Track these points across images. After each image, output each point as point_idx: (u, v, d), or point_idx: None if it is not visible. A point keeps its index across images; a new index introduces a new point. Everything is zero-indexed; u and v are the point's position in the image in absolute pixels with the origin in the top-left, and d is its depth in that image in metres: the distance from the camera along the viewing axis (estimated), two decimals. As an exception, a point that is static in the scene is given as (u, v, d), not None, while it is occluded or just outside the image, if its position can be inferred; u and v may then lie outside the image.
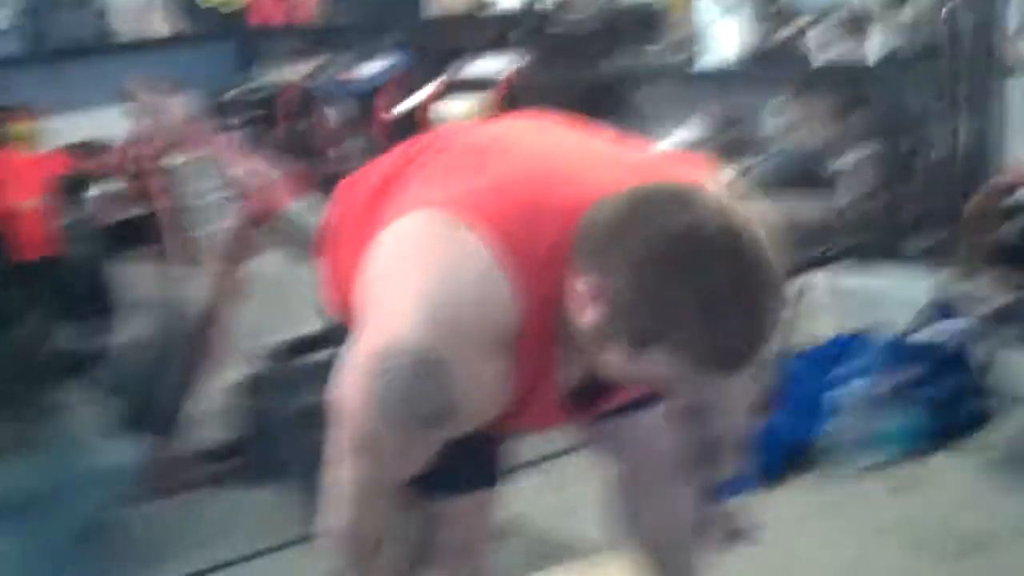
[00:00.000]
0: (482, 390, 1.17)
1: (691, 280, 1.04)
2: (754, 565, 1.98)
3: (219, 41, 5.99)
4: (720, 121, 4.60)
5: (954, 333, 2.90)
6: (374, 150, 5.29)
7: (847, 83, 4.10)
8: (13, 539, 2.54)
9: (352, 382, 1.17)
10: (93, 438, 2.73)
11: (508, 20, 4.97)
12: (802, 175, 3.37)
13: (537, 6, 4.86)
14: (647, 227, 1.06)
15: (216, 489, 2.89)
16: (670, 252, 1.04)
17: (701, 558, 1.84)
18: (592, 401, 1.35)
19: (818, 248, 3.24)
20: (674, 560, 1.82)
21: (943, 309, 3.08)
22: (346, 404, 1.19)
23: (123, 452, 2.75)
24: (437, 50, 5.35)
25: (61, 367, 3.33)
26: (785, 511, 2.49)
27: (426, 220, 1.17)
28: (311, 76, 5.69)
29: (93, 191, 4.86)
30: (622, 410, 1.58)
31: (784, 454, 2.63)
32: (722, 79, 4.41)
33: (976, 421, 2.78)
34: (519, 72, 4.95)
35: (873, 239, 3.43)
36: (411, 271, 1.14)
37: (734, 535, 1.79)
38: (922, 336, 2.96)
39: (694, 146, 4.61)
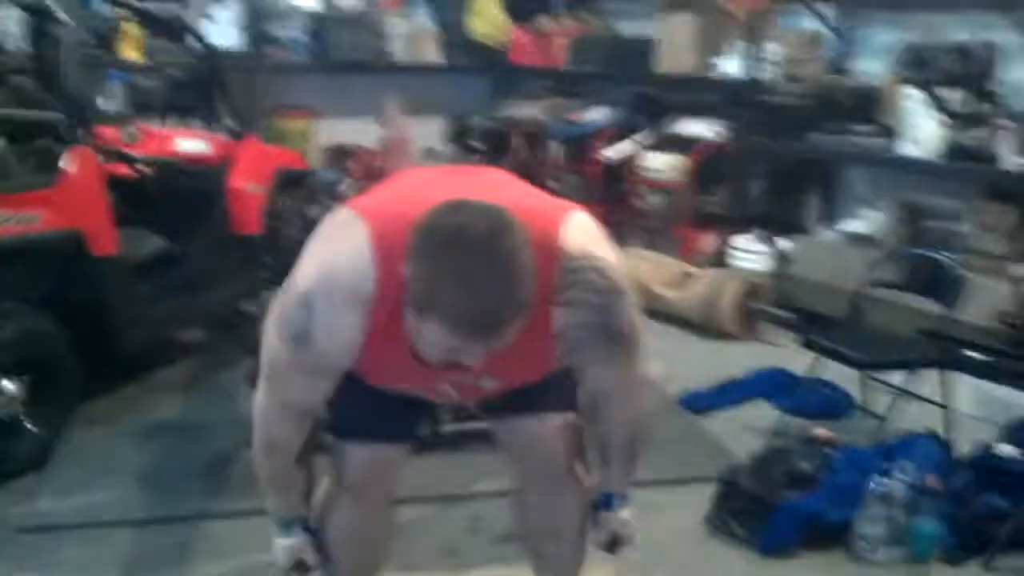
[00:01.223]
0: (338, 332, 1.58)
1: (448, 264, 1.39)
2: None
3: (479, 73, 6.69)
4: (906, 212, 4.62)
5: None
6: (587, 187, 5.75)
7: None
8: (167, 456, 3.19)
9: (270, 318, 1.69)
10: (237, 387, 3.28)
11: (727, 85, 5.19)
12: (931, 280, 3.39)
13: (756, 75, 5.04)
14: (428, 224, 1.43)
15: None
16: (436, 243, 1.41)
17: (584, 561, 2.04)
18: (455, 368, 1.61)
19: (933, 352, 3.27)
20: (557, 562, 2.05)
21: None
22: (264, 337, 1.69)
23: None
24: (657, 105, 5.69)
25: (237, 323, 4.01)
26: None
27: (346, 213, 1.65)
28: (545, 114, 6.21)
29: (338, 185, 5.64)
30: (516, 411, 1.89)
31: (814, 530, 2.73)
32: (918, 169, 4.43)
33: (1018, 543, 2.72)
34: (725, 135, 5.19)
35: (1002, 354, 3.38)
36: (320, 244, 1.65)
37: (616, 542, 1.97)
38: (1003, 450, 2.94)
39: (877, 233, 4.65)
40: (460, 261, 1.41)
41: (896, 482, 2.77)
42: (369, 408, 1.85)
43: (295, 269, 1.65)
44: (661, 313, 4.68)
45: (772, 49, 5.07)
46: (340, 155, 6.01)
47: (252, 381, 1.83)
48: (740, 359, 4.18)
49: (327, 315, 1.58)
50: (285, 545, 1.90)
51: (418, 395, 1.83)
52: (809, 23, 5.17)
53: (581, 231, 1.65)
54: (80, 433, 3.23)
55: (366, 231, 1.58)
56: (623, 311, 1.67)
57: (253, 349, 1.84)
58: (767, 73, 5.06)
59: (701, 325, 4.64)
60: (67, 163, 3.12)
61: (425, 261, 1.43)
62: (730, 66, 5.20)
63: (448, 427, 3.02)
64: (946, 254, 3.50)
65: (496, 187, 1.70)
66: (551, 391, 1.87)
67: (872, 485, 2.76)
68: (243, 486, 2.73)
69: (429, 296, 1.42)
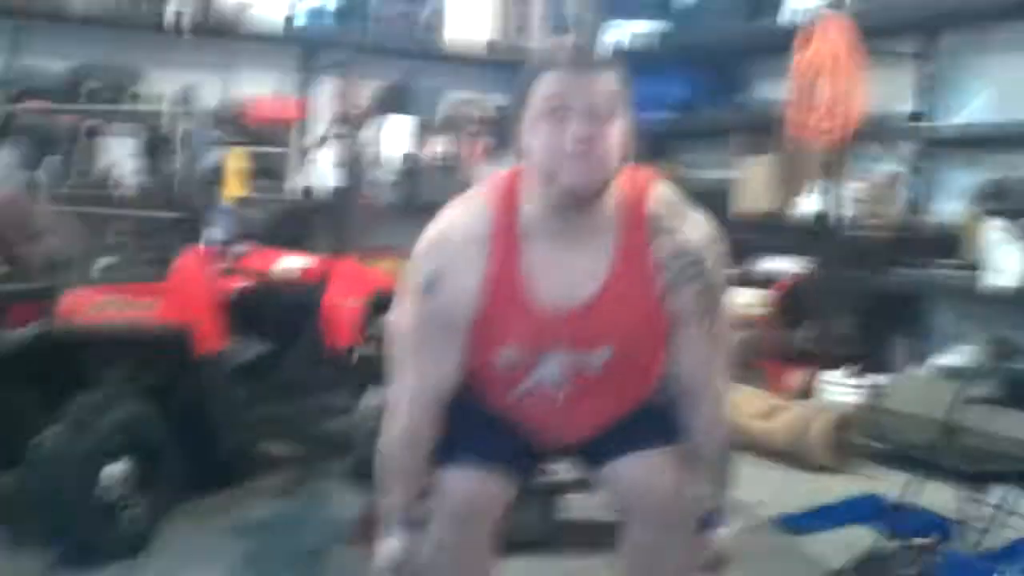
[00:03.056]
0: (461, 272, 1.76)
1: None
2: None
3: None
4: (997, 346, 4.58)
5: None
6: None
7: None
8: (260, 550, 3.23)
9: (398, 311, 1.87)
10: (330, 486, 3.34)
11: (805, 224, 5.29)
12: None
13: (833, 213, 5.14)
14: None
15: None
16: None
17: None
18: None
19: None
20: None
21: None
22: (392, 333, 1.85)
23: (346, 505, 3.38)
24: (739, 244, 5.78)
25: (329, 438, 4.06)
26: None
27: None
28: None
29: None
30: (620, 452, 1.90)
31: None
32: (1004, 300, 4.43)
33: None
34: (805, 273, 5.25)
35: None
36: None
37: (717, 563, 1.96)
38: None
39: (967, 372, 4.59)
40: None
41: (1010, 583, 2.67)
42: (477, 436, 1.89)
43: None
44: (750, 446, 4.63)
45: (851, 188, 5.19)
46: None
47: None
48: (832, 489, 4.10)
49: (449, 254, 1.78)
50: (396, 544, 1.91)
51: (527, 390, 1.85)
52: (887, 164, 5.31)
53: (670, 189, 1.76)
54: (177, 527, 3.27)
55: (482, 193, 1.83)
56: (716, 263, 1.81)
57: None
58: (846, 213, 5.16)
59: (791, 457, 4.58)
60: (181, 261, 3.31)
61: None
62: (810, 205, 5.31)
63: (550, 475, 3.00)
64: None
65: None
66: (652, 427, 1.91)
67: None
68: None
69: (532, 72, 1.71)
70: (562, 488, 2.81)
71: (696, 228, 1.82)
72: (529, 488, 2.97)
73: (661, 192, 1.83)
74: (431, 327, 1.80)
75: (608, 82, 1.74)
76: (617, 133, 1.74)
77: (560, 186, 1.70)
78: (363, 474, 3.11)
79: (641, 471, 1.91)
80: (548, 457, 2.12)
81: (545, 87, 1.73)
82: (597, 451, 1.96)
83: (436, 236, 1.82)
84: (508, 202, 1.76)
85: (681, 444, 1.95)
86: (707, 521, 1.96)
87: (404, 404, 1.88)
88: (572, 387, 1.87)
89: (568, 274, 1.77)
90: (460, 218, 1.81)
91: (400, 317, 1.85)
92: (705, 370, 1.88)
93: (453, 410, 1.90)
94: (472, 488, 1.89)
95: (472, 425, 1.89)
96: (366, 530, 3.26)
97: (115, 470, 3.03)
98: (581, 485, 2.17)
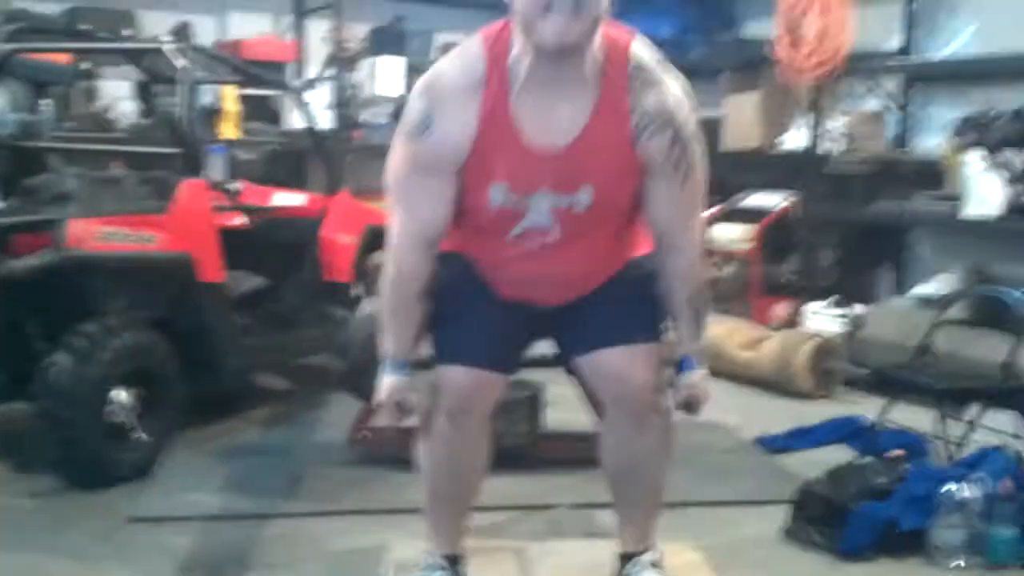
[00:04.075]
0: (453, 112, 1.85)
1: None
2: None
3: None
4: (975, 275, 4.69)
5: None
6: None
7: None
8: (255, 470, 3.37)
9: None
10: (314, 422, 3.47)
11: (791, 159, 5.39)
12: (997, 316, 3.47)
13: (819, 148, 5.23)
14: None
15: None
16: None
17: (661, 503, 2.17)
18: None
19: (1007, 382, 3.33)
20: (634, 500, 2.15)
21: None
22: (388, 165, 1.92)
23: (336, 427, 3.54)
24: (725, 180, 5.88)
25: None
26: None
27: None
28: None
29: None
30: (605, 341, 2.00)
31: (891, 538, 2.76)
32: (983, 229, 4.54)
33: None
34: (791, 207, 5.35)
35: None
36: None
37: (693, 402, 2.07)
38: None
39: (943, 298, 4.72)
40: None
41: (971, 489, 2.81)
42: (471, 331, 2.02)
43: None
44: (736, 375, 4.77)
45: (836, 124, 5.27)
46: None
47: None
48: (814, 415, 4.23)
49: (443, 95, 1.85)
50: (390, 383, 2.02)
51: (519, 230, 1.94)
52: (872, 101, 5.40)
53: (650, 49, 1.93)
54: (180, 450, 3.42)
55: (474, 43, 1.89)
56: (688, 119, 1.92)
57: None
58: (831, 147, 5.26)
59: (776, 384, 4.71)
60: (181, 193, 3.40)
61: None
62: (795, 141, 5.40)
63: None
64: (1012, 292, 3.58)
65: None
66: (637, 317, 2.02)
67: (947, 491, 2.81)
68: (318, 495, 3.13)
69: None
70: (540, 362, 2.94)
71: (671, 86, 1.92)
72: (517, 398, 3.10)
73: (641, 49, 1.92)
74: (422, 167, 1.90)
75: None
76: None
77: (542, 37, 1.81)
78: (358, 381, 3.24)
79: (624, 363, 2.02)
80: (536, 335, 2.19)
81: None
82: (584, 333, 2.06)
83: (430, 79, 1.90)
84: (498, 51, 1.85)
85: (662, 343, 2.07)
86: (682, 364, 2.08)
87: (395, 249, 1.97)
88: (562, 230, 1.94)
89: (553, 119, 1.87)
90: (453, 64, 1.90)
91: (393, 160, 1.94)
92: (681, 219, 1.99)
93: (448, 300, 2.00)
94: (468, 384, 2.02)
95: (467, 319, 1.99)
96: (363, 429, 3.43)
97: (121, 396, 3.15)
98: (556, 361, 2.27)
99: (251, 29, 5.90)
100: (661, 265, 2.05)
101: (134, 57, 3.97)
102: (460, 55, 1.92)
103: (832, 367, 4.69)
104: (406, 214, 1.96)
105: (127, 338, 3.17)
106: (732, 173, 5.89)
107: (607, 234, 2.02)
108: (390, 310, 2.03)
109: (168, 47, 3.58)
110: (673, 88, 1.92)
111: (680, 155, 1.92)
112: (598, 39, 1.86)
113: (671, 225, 2.00)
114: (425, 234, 1.97)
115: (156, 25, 5.46)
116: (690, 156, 1.94)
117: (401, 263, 1.99)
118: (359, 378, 3.14)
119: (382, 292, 2.02)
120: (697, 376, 2.09)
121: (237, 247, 3.91)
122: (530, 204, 1.93)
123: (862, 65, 5.13)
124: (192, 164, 3.51)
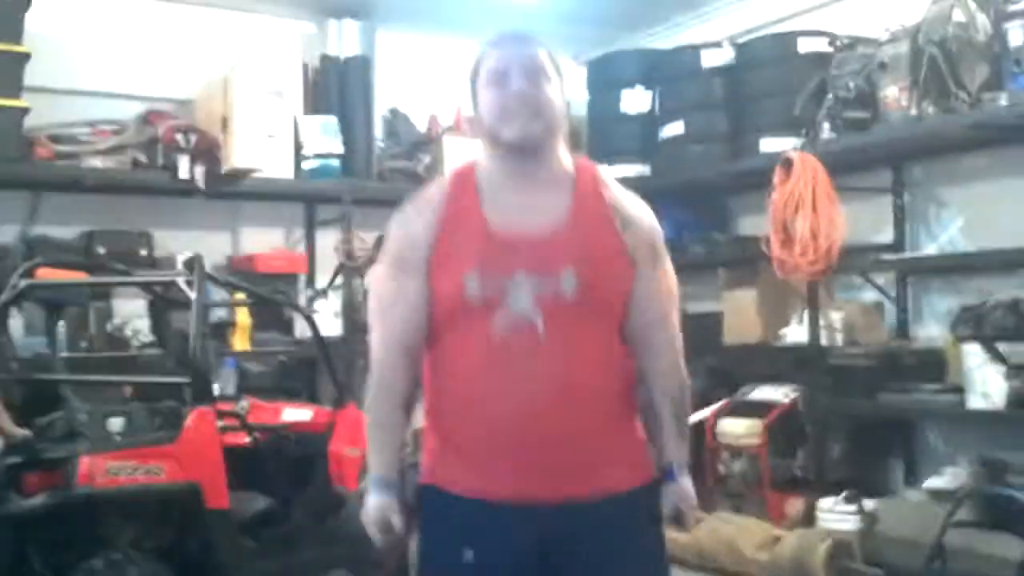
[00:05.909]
0: (421, 215, 2.01)
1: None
2: None
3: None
4: (985, 466, 4.66)
5: None
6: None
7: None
8: None
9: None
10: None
11: (794, 351, 5.44)
12: (1010, 517, 3.45)
13: (819, 341, 5.28)
14: None
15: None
16: None
17: None
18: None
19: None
20: None
21: None
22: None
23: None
24: (730, 373, 5.92)
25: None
26: None
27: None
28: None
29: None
30: None
31: None
32: (988, 420, 4.54)
33: None
34: (796, 400, 5.37)
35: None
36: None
37: (678, 517, 2.02)
38: None
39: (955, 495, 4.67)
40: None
41: None
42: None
43: None
44: None
45: (835, 316, 5.35)
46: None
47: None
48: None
49: (410, 216, 2.03)
50: (375, 503, 1.98)
51: (502, 320, 1.93)
52: (868, 293, 5.50)
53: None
54: None
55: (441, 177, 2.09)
56: (657, 228, 2.08)
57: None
58: (832, 339, 5.31)
59: (792, 585, 4.63)
60: (189, 422, 3.47)
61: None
62: (797, 334, 5.47)
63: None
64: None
65: None
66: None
67: None
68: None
69: (478, 58, 2.01)
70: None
71: (638, 200, 2.08)
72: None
73: (606, 172, 2.08)
74: (393, 276, 2.00)
75: (541, 50, 2.02)
76: (553, 91, 2.00)
77: (506, 138, 1.95)
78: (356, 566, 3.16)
79: None
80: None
81: (487, 61, 2.02)
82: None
83: (401, 210, 2.06)
84: (463, 170, 2.04)
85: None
86: (667, 475, 2.03)
87: (378, 363, 2.01)
88: (546, 323, 1.91)
89: (528, 210, 1.99)
90: (423, 192, 2.07)
91: (372, 285, 2.06)
92: (660, 313, 2.03)
93: (437, 526, 2.00)
94: None
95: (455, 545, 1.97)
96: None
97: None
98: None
99: (263, 243, 6.10)
100: (639, 369, 2.06)
101: (149, 287, 4.12)
102: (429, 189, 2.08)
103: (848, 566, 4.62)
104: (382, 323, 2.04)
105: (133, 572, 3.17)
106: (736, 366, 5.97)
107: (598, 341, 1.99)
108: (375, 424, 2.04)
109: (181, 279, 3.73)
110: (640, 203, 2.09)
111: (658, 257, 2.05)
112: (564, 153, 2.03)
113: (650, 316, 2.03)
114: (402, 339, 2.01)
115: (172, 242, 5.65)
116: (665, 262, 2.08)
117: (382, 372, 2.03)
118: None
119: (366, 408, 2.05)
120: (683, 485, 2.05)
121: (245, 465, 3.96)
122: (508, 288, 1.94)
123: (855, 261, 5.25)
124: (201, 392, 3.59)
